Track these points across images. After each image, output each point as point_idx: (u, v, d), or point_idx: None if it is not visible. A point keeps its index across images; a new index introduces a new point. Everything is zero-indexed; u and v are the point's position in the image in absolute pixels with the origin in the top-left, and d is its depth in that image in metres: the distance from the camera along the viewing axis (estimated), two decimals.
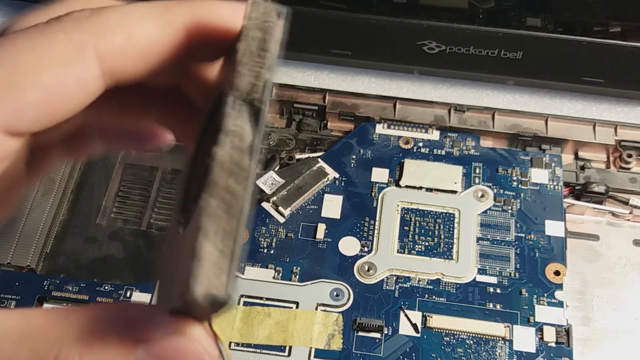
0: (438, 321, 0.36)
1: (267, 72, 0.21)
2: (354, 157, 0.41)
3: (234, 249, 0.18)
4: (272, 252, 0.38)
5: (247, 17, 0.21)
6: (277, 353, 0.35)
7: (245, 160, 0.19)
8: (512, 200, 0.40)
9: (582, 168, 0.42)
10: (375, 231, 0.39)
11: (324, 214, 0.39)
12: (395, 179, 0.41)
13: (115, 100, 0.26)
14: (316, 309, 0.36)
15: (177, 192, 0.26)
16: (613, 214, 0.40)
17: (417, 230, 0.39)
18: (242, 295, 0.36)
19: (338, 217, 0.39)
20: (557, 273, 0.37)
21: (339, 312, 0.36)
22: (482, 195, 0.40)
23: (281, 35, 0.21)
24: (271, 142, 0.43)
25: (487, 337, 0.35)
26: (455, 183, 0.40)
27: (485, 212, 0.39)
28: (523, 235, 0.39)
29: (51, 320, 0.19)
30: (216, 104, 0.23)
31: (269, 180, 0.40)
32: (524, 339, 0.35)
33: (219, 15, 0.22)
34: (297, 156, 0.42)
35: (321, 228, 0.39)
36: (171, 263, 0.23)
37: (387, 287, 0.37)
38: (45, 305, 0.36)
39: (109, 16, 0.21)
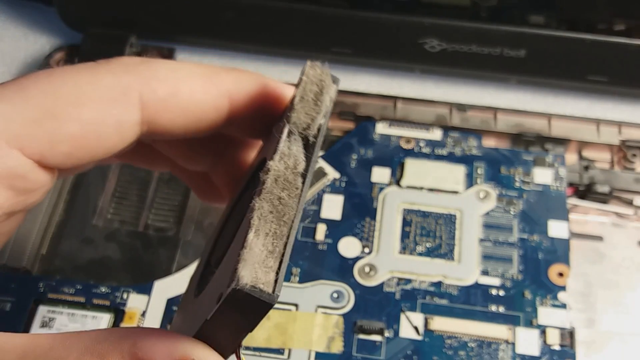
0: (440, 323, 0.35)
1: (321, 118, 0.21)
2: (355, 157, 0.41)
3: (283, 253, 0.18)
4: None
5: (305, 74, 0.22)
6: (277, 356, 0.34)
7: (299, 181, 0.19)
8: (515, 200, 0.39)
9: (586, 168, 0.41)
10: (376, 232, 0.38)
11: (323, 214, 0.39)
12: (397, 179, 0.40)
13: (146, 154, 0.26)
14: (316, 311, 0.36)
15: (198, 265, 0.27)
16: (617, 214, 0.40)
17: (418, 231, 0.38)
18: None
19: (338, 217, 0.39)
20: (560, 274, 0.37)
21: (339, 315, 0.35)
22: (485, 196, 0.39)
23: (334, 96, 0.22)
24: None
25: (489, 339, 0.35)
26: (457, 184, 0.40)
27: (487, 212, 0.39)
28: (526, 236, 0.38)
29: (54, 341, 0.19)
30: (251, 181, 0.23)
31: None
32: (527, 341, 0.35)
33: (265, 89, 0.23)
34: None
35: (321, 229, 0.38)
36: (193, 308, 0.23)
37: (388, 289, 0.36)
38: (41, 307, 0.36)
39: (158, 67, 0.21)
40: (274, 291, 0.17)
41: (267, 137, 0.24)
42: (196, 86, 0.22)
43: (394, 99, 0.44)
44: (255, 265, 0.17)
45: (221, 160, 0.25)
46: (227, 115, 0.23)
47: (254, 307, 0.18)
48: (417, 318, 0.35)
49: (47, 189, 0.21)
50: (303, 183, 0.19)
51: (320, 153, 0.41)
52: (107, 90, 0.20)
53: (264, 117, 0.23)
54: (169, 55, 0.46)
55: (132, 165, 0.28)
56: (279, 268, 0.18)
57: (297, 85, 0.22)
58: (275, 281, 0.17)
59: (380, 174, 0.40)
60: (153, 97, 0.21)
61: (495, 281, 0.37)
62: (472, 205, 0.39)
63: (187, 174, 0.28)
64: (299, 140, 0.20)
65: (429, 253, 0.38)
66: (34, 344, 0.19)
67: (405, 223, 0.39)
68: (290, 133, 0.20)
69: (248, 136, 0.25)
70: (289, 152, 0.20)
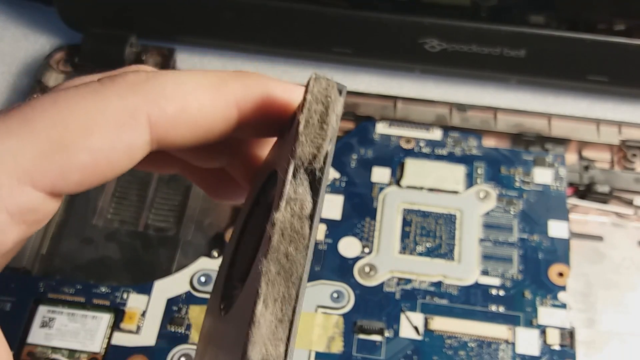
0: (440, 323, 0.35)
1: (328, 144, 0.21)
2: (355, 156, 0.41)
3: (292, 319, 0.18)
4: None
5: (309, 91, 0.21)
6: None
7: (306, 228, 0.19)
8: (515, 200, 0.39)
9: (586, 168, 0.41)
10: (376, 232, 0.38)
11: (323, 214, 0.39)
12: (397, 179, 0.40)
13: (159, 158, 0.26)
14: (316, 311, 0.36)
15: (217, 277, 0.27)
16: (617, 214, 0.40)
17: (418, 231, 0.38)
18: None
19: (338, 217, 0.39)
20: (560, 274, 0.37)
21: (339, 315, 0.35)
22: (485, 196, 0.39)
23: (341, 110, 0.21)
24: None
25: (489, 339, 0.35)
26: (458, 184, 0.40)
27: (487, 212, 0.39)
28: (526, 236, 0.38)
29: None
30: (268, 182, 0.23)
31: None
32: (527, 341, 0.35)
33: (273, 93, 0.22)
34: None
35: (321, 229, 0.38)
36: (212, 347, 0.23)
37: (388, 289, 0.36)
38: (41, 307, 0.36)
39: (165, 84, 0.21)
40: None
41: (281, 134, 0.24)
42: (204, 100, 0.21)
43: (394, 99, 0.44)
44: (265, 342, 0.17)
45: (238, 155, 0.25)
46: (236, 123, 0.22)
47: None
48: (417, 318, 0.35)
49: (55, 212, 0.21)
50: (310, 228, 0.19)
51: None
52: (114, 115, 0.20)
53: (273, 120, 0.23)
54: (169, 55, 0.46)
55: (144, 170, 0.27)
56: (289, 335, 0.18)
57: (301, 105, 0.21)
58: (286, 352, 0.17)
59: (380, 174, 0.40)
60: (162, 116, 0.21)
61: (495, 281, 0.37)
62: (472, 205, 0.39)
63: (198, 175, 0.27)
64: (306, 179, 0.20)
65: (429, 253, 0.38)
66: None
67: (405, 223, 0.39)
68: (295, 171, 0.20)
69: (260, 137, 0.25)
70: (295, 196, 0.19)
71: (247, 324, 0.18)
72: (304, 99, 0.21)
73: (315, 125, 0.21)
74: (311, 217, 0.19)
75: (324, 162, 0.20)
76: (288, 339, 0.18)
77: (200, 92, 0.21)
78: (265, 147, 0.25)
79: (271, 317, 0.18)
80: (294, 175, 0.20)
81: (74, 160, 0.19)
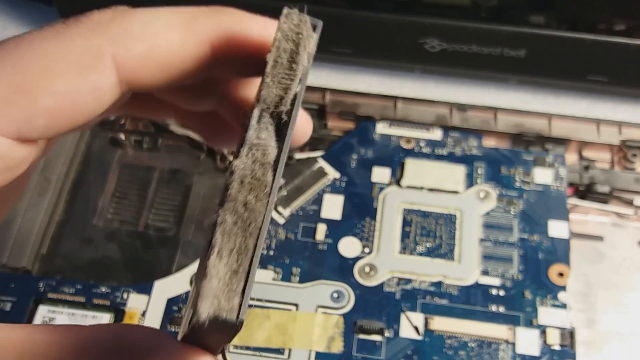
0: (440, 323, 0.35)
1: (297, 85, 0.19)
2: (355, 156, 0.41)
3: (249, 270, 0.17)
4: (271, 253, 0.37)
5: (279, 28, 0.20)
6: (277, 356, 0.34)
7: (268, 176, 0.18)
8: (515, 200, 0.39)
9: (586, 168, 0.41)
10: (376, 232, 0.38)
11: (324, 214, 0.39)
12: (397, 179, 0.40)
13: (143, 103, 0.25)
14: (316, 311, 0.36)
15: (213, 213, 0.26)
16: (617, 214, 0.40)
17: (418, 231, 0.38)
18: None
19: (338, 217, 0.39)
20: (560, 274, 0.37)
21: (340, 315, 0.35)
22: (485, 196, 0.39)
23: (314, 48, 0.20)
24: None
25: (489, 339, 0.35)
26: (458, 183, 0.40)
27: (487, 212, 0.39)
28: (526, 236, 0.38)
29: (51, 339, 0.18)
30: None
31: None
32: (527, 341, 0.35)
33: (248, 29, 0.22)
34: (297, 156, 0.41)
35: (321, 229, 0.38)
36: (195, 289, 0.22)
37: (388, 289, 0.36)
38: (41, 307, 0.36)
39: (131, 22, 0.20)
40: (238, 317, 0.16)
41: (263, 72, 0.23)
42: (174, 38, 0.21)
43: (394, 99, 0.44)
44: (217, 294, 0.16)
45: (227, 96, 0.24)
46: (210, 61, 0.22)
47: (221, 331, 0.17)
48: (417, 318, 0.35)
49: (32, 160, 0.21)
50: (274, 175, 0.18)
51: (319, 153, 0.41)
52: (78, 56, 0.20)
53: (252, 58, 0.22)
54: None
55: (135, 116, 0.26)
56: (244, 287, 0.17)
57: (271, 44, 0.20)
58: (240, 305, 0.17)
59: (380, 174, 0.40)
60: (128, 56, 0.20)
61: (495, 281, 0.37)
62: (472, 205, 0.39)
63: (192, 120, 0.27)
64: (271, 123, 0.19)
65: (429, 253, 0.38)
66: (32, 340, 0.18)
67: (406, 223, 0.39)
68: (260, 116, 0.19)
69: (243, 76, 0.24)
70: (257, 141, 0.18)
71: (200, 278, 0.17)
72: (274, 37, 0.20)
73: (284, 64, 0.20)
74: (275, 162, 0.18)
75: (292, 105, 0.19)
76: (243, 290, 0.17)
77: (170, 31, 0.21)
78: (254, 87, 0.24)
79: (225, 268, 0.17)
80: (259, 120, 0.19)
81: (38, 105, 0.19)
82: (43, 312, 0.35)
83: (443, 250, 0.38)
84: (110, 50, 0.20)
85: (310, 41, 0.20)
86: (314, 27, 0.21)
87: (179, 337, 0.19)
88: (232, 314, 0.16)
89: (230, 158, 0.41)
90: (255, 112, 0.19)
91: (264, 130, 0.19)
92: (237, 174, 0.18)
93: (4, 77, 0.19)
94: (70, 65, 0.19)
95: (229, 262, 0.17)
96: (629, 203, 0.40)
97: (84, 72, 0.20)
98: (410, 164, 0.41)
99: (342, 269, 0.37)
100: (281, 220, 0.39)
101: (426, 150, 0.41)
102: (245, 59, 0.22)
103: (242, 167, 0.18)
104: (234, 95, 0.24)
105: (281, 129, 0.19)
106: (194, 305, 0.17)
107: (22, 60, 0.19)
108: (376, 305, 0.36)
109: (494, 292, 0.36)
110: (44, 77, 0.19)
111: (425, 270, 0.37)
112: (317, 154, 0.41)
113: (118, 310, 0.36)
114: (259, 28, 0.22)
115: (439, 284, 0.36)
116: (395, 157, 0.41)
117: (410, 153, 0.41)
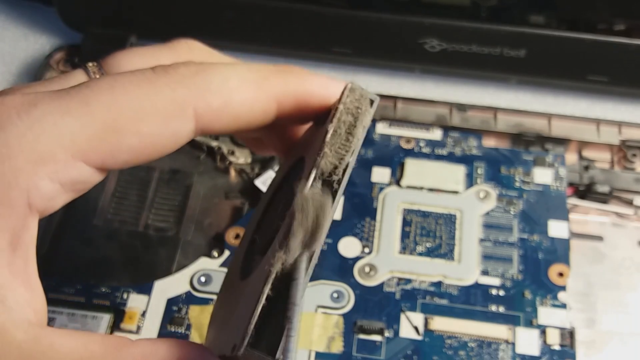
0: (440, 323, 0.35)
1: (350, 157, 0.22)
2: None
3: (292, 316, 0.19)
4: None
5: (342, 101, 0.22)
6: None
7: (303, 265, 0.21)
8: (515, 200, 0.39)
9: (586, 168, 0.41)
10: (376, 232, 0.38)
11: None
12: (397, 179, 0.40)
13: None
14: (316, 311, 0.36)
15: (243, 237, 0.28)
16: (617, 214, 0.40)
17: (418, 231, 0.38)
18: None
19: (338, 217, 0.39)
20: (560, 274, 0.37)
21: (339, 315, 0.35)
22: (485, 196, 0.39)
23: (369, 122, 0.23)
24: None
25: (489, 339, 0.35)
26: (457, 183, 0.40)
27: (487, 212, 0.39)
28: (526, 236, 0.38)
29: (106, 350, 0.21)
30: (295, 167, 0.25)
31: (269, 180, 0.40)
32: (527, 341, 0.35)
33: (311, 89, 0.24)
34: None
35: None
36: (226, 308, 0.24)
37: (388, 289, 0.36)
38: None
39: (212, 77, 0.23)
40: (276, 355, 0.19)
41: (316, 121, 0.25)
42: (247, 95, 0.23)
43: (394, 99, 0.44)
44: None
45: (274, 131, 0.27)
46: (274, 116, 0.24)
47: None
48: (417, 318, 0.35)
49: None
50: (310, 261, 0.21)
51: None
52: (165, 105, 0.22)
53: (310, 111, 0.25)
54: None
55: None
56: (287, 331, 0.19)
57: (332, 113, 0.22)
58: (280, 345, 0.19)
59: (380, 174, 0.40)
60: (207, 109, 0.23)
61: (495, 281, 0.37)
62: (472, 205, 0.39)
63: (238, 134, 0.30)
64: (323, 186, 0.21)
65: (429, 253, 0.38)
66: (89, 352, 0.20)
67: (405, 223, 0.39)
68: (314, 180, 0.21)
69: (296, 125, 0.26)
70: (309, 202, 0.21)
71: (248, 314, 0.19)
72: (336, 108, 0.22)
73: (342, 135, 0.22)
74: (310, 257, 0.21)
75: (343, 174, 0.22)
76: (287, 333, 0.19)
77: (244, 88, 0.23)
78: (301, 128, 0.27)
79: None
80: (313, 183, 0.21)
81: (124, 143, 0.22)
82: None
83: (443, 250, 0.38)
84: (192, 103, 0.23)
85: (368, 116, 0.22)
86: (372, 102, 0.23)
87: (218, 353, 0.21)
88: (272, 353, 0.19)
89: (231, 158, 0.41)
90: (311, 177, 0.21)
91: (316, 192, 0.21)
92: (277, 262, 0.20)
93: (99, 114, 0.21)
94: (157, 112, 0.22)
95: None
96: (629, 203, 0.40)
97: (168, 119, 0.22)
98: (410, 164, 0.41)
99: (342, 269, 0.37)
100: None
101: (426, 150, 0.41)
102: (303, 113, 0.25)
103: (290, 252, 0.21)
104: (281, 132, 0.27)
105: (331, 193, 0.22)
106: (237, 336, 0.19)
107: (116, 103, 0.22)
108: (376, 305, 0.36)
109: (493, 292, 0.36)
110: (133, 120, 0.22)
111: (425, 270, 0.37)
112: None
113: (118, 310, 0.36)
114: (320, 87, 0.24)
115: (438, 284, 0.36)
116: (395, 157, 0.41)
117: (410, 153, 0.41)
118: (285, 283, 0.20)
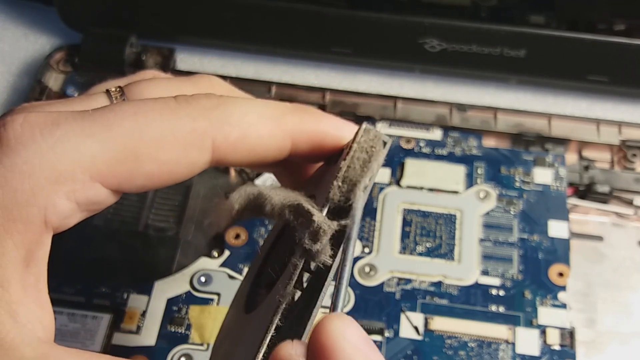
0: (440, 323, 0.35)
1: (361, 190, 0.23)
2: None
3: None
4: None
5: (357, 140, 0.23)
6: None
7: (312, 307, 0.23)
8: (515, 200, 0.39)
9: (586, 168, 0.41)
10: (376, 232, 0.38)
11: None
12: (397, 179, 0.40)
13: None
14: None
15: (248, 272, 0.29)
16: (617, 214, 0.40)
17: (418, 231, 0.38)
18: None
19: None
20: (560, 274, 0.37)
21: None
22: (485, 196, 0.39)
23: (382, 162, 0.24)
24: None
25: (489, 339, 0.35)
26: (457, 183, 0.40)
27: (487, 212, 0.39)
28: (526, 236, 0.38)
29: None
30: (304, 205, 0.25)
31: (269, 181, 0.40)
32: (527, 341, 0.35)
33: (325, 129, 0.25)
34: None
35: None
36: (230, 340, 0.25)
37: (388, 289, 0.36)
38: None
39: (231, 111, 0.24)
40: None
41: (328, 160, 0.26)
42: (264, 130, 0.24)
43: (394, 99, 0.44)
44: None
45: (286, 167, 0.27)
46: (288, 153, 0.25)
47: None
48: (417, 318, 0.35)
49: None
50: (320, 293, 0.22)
51: None
52: (185, 134, 0.23)
53: (323, 150, 0.25)
54: (169, 55, 0.46)
55: None
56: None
57: (347, 151, 0.23)
58: None
59: (380, 174, 0.40)
60: (225, 141, 0.23)
61: (495, 281, 0.37)
62: (472, 205, 0.39)
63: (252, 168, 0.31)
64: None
65: (429, 253, 0.38)
66: None
67: (405, 223, 0.39)
68: (324, 219, 0.22)
69: (308, 163, 0.27)
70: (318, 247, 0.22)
71: (254, 349, 0.21)
72: (350, 146, 0.23)
73: (357, 170, 0.23)
74: (330, 267, 0.22)
75: (355, 203, 0.23)
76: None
77: (262, 123, 0.24)
78: (312, 167, 0.28)
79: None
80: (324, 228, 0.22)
81: (142, 168, 0.22)
82: None
83: (443, 250, 0.38)
84: (211, 134, 0.23)
85: (381, 156, 0.23)
86: (384, 144, 0.24)
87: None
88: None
89: None
90: (324, 211, 0.22)
91: (324, 236, 0.22)
92: (286, 297, 0.22)
93: (120, 139, 0.22)
94: (177, 141, 0.23)
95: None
96: (629, 203, 0.40)
97: (186, 149, 0.23)
98: (410, 164, 0.41)
99: None
100: None
101: (426, 150, 0.41)
102: (316, 152, 0.25)
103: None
104: (292, 169, 0.28)
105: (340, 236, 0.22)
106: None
107: (138, 129, 0.22)
108: (376, 305, 0.36)
109: (493, 292, 0.36)
110: (153, 147, 0.22)
111: (425, 270, 0.37)
112: None
113: (118, 310, 0.36)
114: (334, 128, 0.25)
115: (438, 284, 0.36)
116: (395, 157, 0.41)
117: (410, 153, 0.41)
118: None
